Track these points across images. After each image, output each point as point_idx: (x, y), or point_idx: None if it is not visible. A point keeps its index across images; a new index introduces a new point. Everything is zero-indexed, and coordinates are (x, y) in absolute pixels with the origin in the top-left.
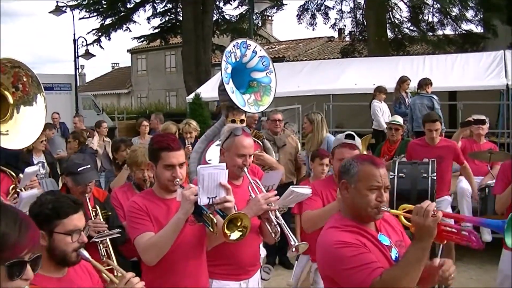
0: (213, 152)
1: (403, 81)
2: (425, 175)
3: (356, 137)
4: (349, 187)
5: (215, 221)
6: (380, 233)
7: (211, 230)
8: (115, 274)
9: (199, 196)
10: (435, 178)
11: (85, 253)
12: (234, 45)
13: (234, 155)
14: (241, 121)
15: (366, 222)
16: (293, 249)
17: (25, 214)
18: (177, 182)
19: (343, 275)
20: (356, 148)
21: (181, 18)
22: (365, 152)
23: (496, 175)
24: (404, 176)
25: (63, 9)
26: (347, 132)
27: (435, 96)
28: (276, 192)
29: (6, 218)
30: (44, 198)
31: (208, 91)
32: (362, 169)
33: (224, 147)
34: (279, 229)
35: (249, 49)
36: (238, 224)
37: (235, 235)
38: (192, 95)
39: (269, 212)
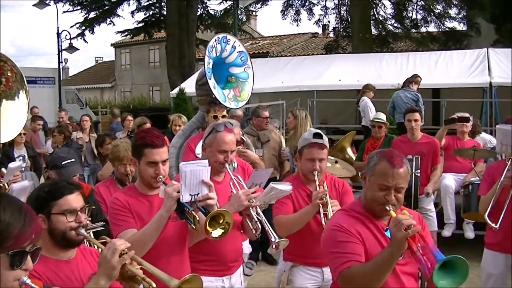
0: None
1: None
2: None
3: (324, 136)
4: (366, 178)
5: (197, 218)
6: (388, 228)
7: (193, 227)
8: None
9: (181, 193)
10: (418, 174)
11: (83, 231)
12: (215, 40)
13: (216, 151)
14: (223, 116)
15: (376, 216)
16: (274, 246)
17: (28, 206)
18: (160, 179)
19: (328, 255)
20: (325, 148)
21: (165, 13)
22: (348, 149)
23: (482, 176)
24: None
25: (47, 2)
26: (315, 131)
27: (419, 94)
28: (257, 188)
29: (12, 208)
30: (44, 183)
31: (192, 86)
32: (379, 165)
33: (206, 143)
34: (259, 226)
35: (229, 44)
36: (221, 221)
37: (217, 232)
38: (176, 90)
39: (250, 208)
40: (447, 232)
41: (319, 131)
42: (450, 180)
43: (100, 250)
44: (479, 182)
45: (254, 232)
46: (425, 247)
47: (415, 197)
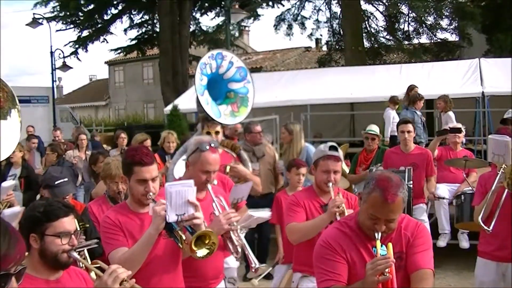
0: (181, 167)
1: (411, 89)
2: None
3: (339, 148)
4: (362, 200)
5: (184, 238)
6: (382, 244)
7: (180, 246)
8: None
9: (167, 213)
10: (411, 186)
11: (75, 254)
12: (209, 57)
13: (199, 170)
14: (216, 132)
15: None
16: (253, 270)
17: (13, 227)
18: (150, 197)
19: (315, 269)
20: (339, 160)
21: (158, 29)
22: (342, 162)
23: (475, 187)
24: None
25: (40, 21)
26: (331, 144)
27: (419, 112)
28: (235, 212)
29: None
30: (38, 202)
31: (185, 102)
32: (372, 195)
33: (190, 161)
34: (240, 250)
35: (225, 60)
36: (206, 241)
37: (202, 252)
38: (169, 107)
39: (231, 232)
40: (442, 243)
41: (334, 144)
42: (444, 190)
43: (94, 275)
44: (471, 192)
45: (235, 255)
46: None
47: (408, 208)
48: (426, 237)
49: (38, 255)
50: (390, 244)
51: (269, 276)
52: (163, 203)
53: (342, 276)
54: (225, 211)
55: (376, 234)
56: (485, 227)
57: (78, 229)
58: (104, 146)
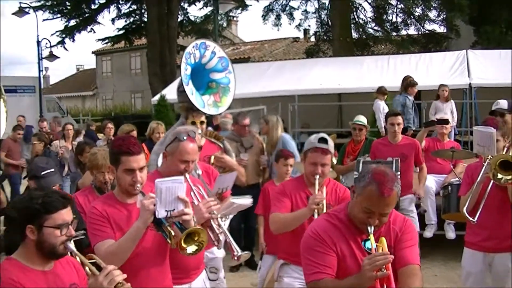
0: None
1: (406, 79)
2: None
3: (330, 140)
4: (355, 193)
5: (173, 234)
6: (369, 238)
7: (169, 242)
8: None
9: (157, 209)
10: (398, 177)
11: (72, 246)
12: (193, 46)
13: (177, 160)
14: (201, 122)
15: (357, 227)
16: (235, 258)
17: None
18: (138, 188)
19: (303, 260)
20: (328, 153)
21: (145, 19)
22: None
23: (462, 177)
24: None
25: (26, 10)
26: (321, 136)
27: (411, 97)
28: (214, 200)
29: None
30: (34, 193)
31: (173, 92)
32: (367, 188)
33: (168, 151)
34: (221, 238)
35: (208, 50)
36: (196, 238)
37: (191, 248)
38: (157, 97)
39: (212, 220)
40: (428, 233)
41: (325, 135)
42: (431, 182)
43: (88, 271)
44: (458, 183)
45: (216, 243)
46: None
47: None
48: (413, 233)
49: (35, 246)
50: (383, 239)
51: (254, 266)
52: (152, 196)
53: (332, 269)
54: (204, 199)
55: (368, 228)
56: (470, 218)
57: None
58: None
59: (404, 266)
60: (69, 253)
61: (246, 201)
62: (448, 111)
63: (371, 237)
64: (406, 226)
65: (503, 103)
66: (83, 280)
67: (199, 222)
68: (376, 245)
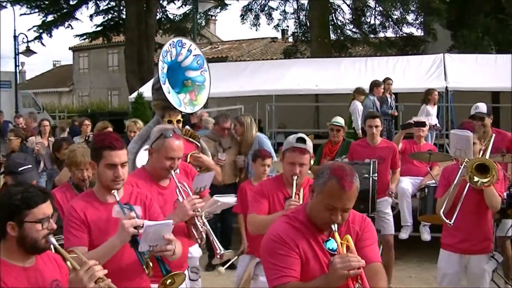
0: (143, 157)
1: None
2: (367, 175)
3: (308, 140)
4: (314, 193)
5: (150, 265)
6: (331, 238)
7: (145, 271)
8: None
9: (140, 244)
10: (376, 178)
11: (53, 240)
12: (170, 44)
13: (163, 157)
14: (178, 121)
15: (318, 228)
16: (218, 257)
17: None
18: (118, 185)
19: (265, 264)
20: (307, 153)
21: (124, 16)
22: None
23: (438, 179)
24: None
25: (4, 4)
26: (299, 136)
27: (371, 97)
28: (199, 197)
29: None
30: (13, 190)
31: (150, 90)
32: (328, 185)
33: (153, 148)
34: (205, 236)
35: (184, 47)
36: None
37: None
38: (134, 94)
39: (195, 218)
40: (404, 235)
41: (303, 135)
42: (407, 184)
43: (70, 265)
44: (435, 185)
45: (199, 241)
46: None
47: (373, 201)
48: (372, 231)
49: (16, 243)
50: (349, 236)
51: (232, 266)
52: (132, 217)
53: (297, 272)
54: (189, 197)
55: (332, 226)
56: (447, 221)
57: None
58: None
59: (367, 265)
60: (52, 248)
61: (230, 199)
62: (435, 114)
63: (336, 235)
64: (365, 224)
65: (482, 107)
66: (66, 276)
67: (182, 219)
68: (341, 242)
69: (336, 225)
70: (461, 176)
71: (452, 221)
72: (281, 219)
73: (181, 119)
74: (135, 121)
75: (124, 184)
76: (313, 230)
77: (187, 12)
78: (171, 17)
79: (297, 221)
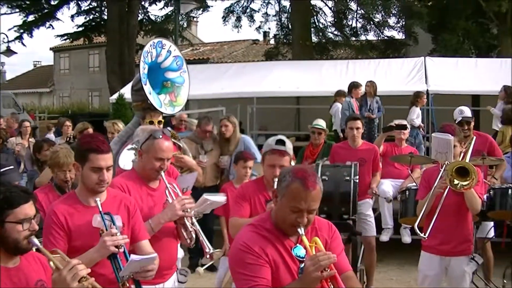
0: (126, 157)
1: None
2: (348, 178)
3: (288, 142)
4: (278, 197)
5: (127, 285)
6: (298, 245)
7: (120, 284)
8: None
9: (122, 270)
10: (357, 181)
11: (36, 240)
12: (150, 45)
13: (152, 158)
14: (159, 122)
15: (285, 234)
16: (208, 256)
17: None
18: (102, 188)
19: (235, 275)
20: (286, 154)
21: (105, 17)
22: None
23: (419, 181)
24: (327, 179)
25: None
26: (278, 138)
27: (347, 98)
28: (191, 198)
29: None
30: None
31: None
32: (291, 187)
33: (143, 149)
34: (194, 236)
35: (164, 48)
36: None
37: None
38: (115, 96)
39: (185, 218)
40: (384, 237)
41: (283, 137)
42: (388, 186)
43: (53, 265)
44: (416, 188)
45: (188, 241)
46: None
47: (354, 203)
48: (339, 238)
49: None
50: (317, 238)
51: (213, 268)
52: (114, 233)
53: (268, 280)
54: (179, 197)
55: (299, 230)
56: (421, 234)
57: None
58: None
59: (340, 275)
60: (34, 248)
61: (220, 198)
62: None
63: (304, 238)
64: (332, 232)
65: (467, 111)
66: (50, 277)
67: (171, 219)
68: (310, 245)
69: (302, 229)
70: (442, 179)
71: (427, 233)
72: (247, 228)
73: (162, 120)
74: (114, 123)
75: (111, 186)
76: (280, 237)
77: (169, 13)
78: (153, 18)
79: (263, 229)
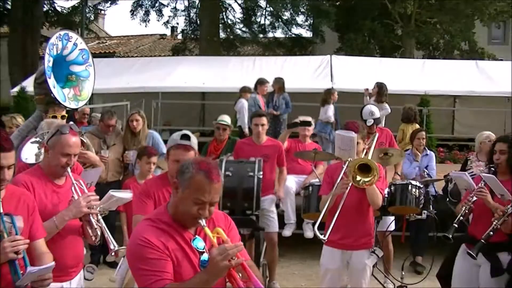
0: (29, 150)
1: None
2: (251, 173)
3: (193, 137)
4: (179, 189)
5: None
6: (197, 236)
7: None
8: None
9: (20, 280)
10: (261, 177)
11: None
12: (57, 37)
13: (59, 153)
14: (62, 117)
15: (184, 226)
16: (113, 254)
17: None
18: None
19: (136, 271)
20: (191, 149)
21: (9, 7)
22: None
23: (322, 177)
24: (230, 174)
25: None
26: (183, 133)
27: (253, 95)
28: (95, 195)
29: None
30: None
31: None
32: (195, 178)
33: (49, 145)
34: (99, 233)
35: (70, 41)
36: None
37: None
38: (17, 88)
39: (90, 215)
40: (287, 232)
41: (188, 132)
42: (291, 182)
43: None
44: (319, 184)
45: (94, 239)
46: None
47: (257, 199)
48: (236, 228)
49: None
50: (219, 229)
51: (113, 265)
52: (14, 239)
53: (171, 274)
54: (84, 194)
55: (200, 221)
56: (321, 236)
57: None
58: None
59: None
60: None
61: (126, 195)
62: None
63: (206, 229)
64: (229, 223)
65: (376, 112)
66: None
67: (76, 216)
68: (212, 235)
69: (204, 220)
70: (344, 175)
71: (327, 235)
72: (144, 223)
73: (66, 115)
74: (12, 117)
75: (15, 183)
76: (179, 230)
77: (76, 5)
78: (59, 9)
79: (161, 222)
